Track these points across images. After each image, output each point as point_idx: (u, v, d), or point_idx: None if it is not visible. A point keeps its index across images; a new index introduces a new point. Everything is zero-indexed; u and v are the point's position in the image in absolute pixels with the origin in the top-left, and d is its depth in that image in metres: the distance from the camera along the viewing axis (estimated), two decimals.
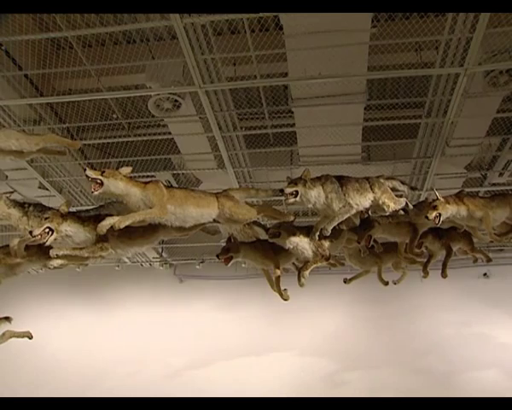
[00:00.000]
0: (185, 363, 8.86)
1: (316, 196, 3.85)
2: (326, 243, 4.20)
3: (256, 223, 4.63)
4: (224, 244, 4.53)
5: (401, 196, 4.20)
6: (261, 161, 6.36)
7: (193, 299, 9.30)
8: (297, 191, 3.79)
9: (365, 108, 5.35)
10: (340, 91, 4.99)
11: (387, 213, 4.06)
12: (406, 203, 4.12)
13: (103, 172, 3.54)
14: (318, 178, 3.92)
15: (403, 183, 4.33)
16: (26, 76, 4.80)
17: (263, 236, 4.56)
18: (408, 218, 4.41)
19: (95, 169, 3.56)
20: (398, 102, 5.34)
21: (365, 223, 4.36)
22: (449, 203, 4.06)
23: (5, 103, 4.61)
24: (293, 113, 5.47)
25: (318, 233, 4.10)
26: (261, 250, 4.50)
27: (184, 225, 3.90)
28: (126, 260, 8.10)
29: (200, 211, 3.86)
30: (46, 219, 3.68)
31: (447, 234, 4.80)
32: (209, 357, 8.75)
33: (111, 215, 3.65)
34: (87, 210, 4.26)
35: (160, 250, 7.99)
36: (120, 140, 5.76)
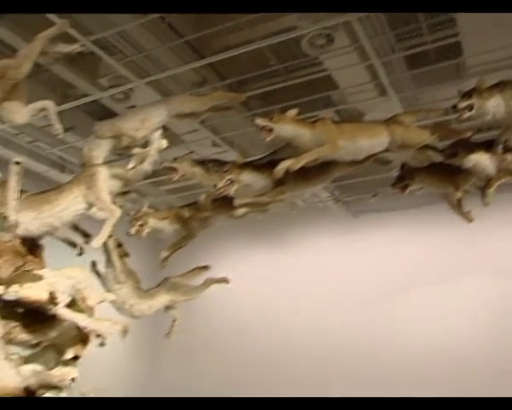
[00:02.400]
0: (370, 298, 8.94)
1: (494, 105, 3.53)
2: (510, 157, 3.88)
3: (429, 146, 4.41)
4: (397, 173, 4.41)
5: None
6: (425, 81, 5.98)
7: (369, 234, 9.25)
8: (472, 104, 3.51)
9: None
10: None
11: None
12: None
13: (271, 118, 3.64)
14: (495, 86, 3.59)
15: None
16: (186, 42, 5.06)
17: (438, 158, 4.34)
18: None
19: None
20: None
21: None
22: None
23: (174, 72, 4.93)
24: (455, 21, 5.02)
25: (501, 146, 3.79)
26: (438, 174, 4.31)
27: (357, 158, 3.88)
28: (300, 203, 8.29)
29: (371, 141, 3.80)
30: (226, 171, 3.94)
31: None
32: (398, 289, 8.72)
33: (284, 159, 3.78)
34: (260, 158, 4.45)
35: (332, 189, 8.03)
36: (279, 86, 5.83)
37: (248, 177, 3.98)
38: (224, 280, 4.61)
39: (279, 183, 3.95)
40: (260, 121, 3.61)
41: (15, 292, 3.10)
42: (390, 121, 3.89)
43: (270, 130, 3.60)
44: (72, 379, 3.40)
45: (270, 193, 4.00)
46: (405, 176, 4.50)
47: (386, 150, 3.99)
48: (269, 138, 3.64)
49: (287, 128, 3.60)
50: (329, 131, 3.57)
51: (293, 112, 3.69)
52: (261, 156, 4.58)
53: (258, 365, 9.68)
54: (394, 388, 8.03)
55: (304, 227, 9.62)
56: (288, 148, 4.22)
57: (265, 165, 4.11)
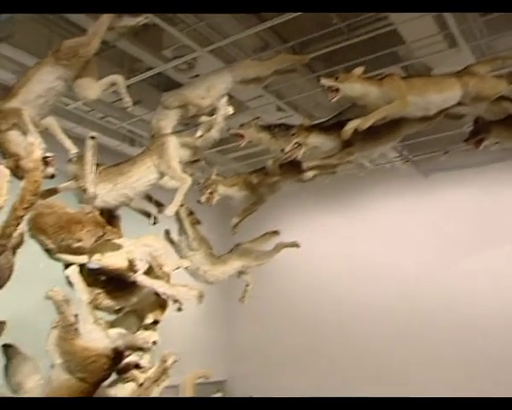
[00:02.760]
0: (443, 258, 8.72)
1: None
2: None
3: (504, 97, 4.20)
4: (470, 129, 4.23)
5: None
6: (500, 27, 5.64)
7: (441, 194, 8.97)
8: None
9: None
10: None
11: None
12: None
13: (337, 77, 3.57)
14: None
15: None
16: None
17: None
18: None
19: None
20: None
21: None
22: None
23: (236, 38, 4.91)
24: None
25: None
26: None
27: (427, 114, 3.75)
28: (368, 164, 8.15)
29: (443, 95, 3.66)
30: (293, 135, 3.93)
31: None
32: (472, 249, 8.45)
33: (351, 120, 3.71)
34: (327, 120, 4.39)
35: (400, 148, 7.81)
36: (343, 45, 5.67)
37: (316, 139, 3.95)
38: (295, 244, 4.64)
39: (347, 144, 3.89)
40: (326, 81, 3.55)
41: (98, 261, 3.26)
42: (462, 73, 3.73)
43: (337, 90, 3.54)
44: (154, 342, 3.57)
45: (339, 154, 3.95)
46: (480, 130, 4.31)
47: (459, 104, 3.84)
48: (335, 99, 3.58)
49: (354, 87, 3.53)
50: (398, 87, 3.47)
51: (359, 70, 3.60)
52: (328, 118, 4.52)
53: (330, 328, 9.73)
54: (473, 347, 7.91)
55: (372, 189, 9.42)
56: (355, 108, 4.14)
57: (333, 126, 4.06)
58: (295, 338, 10.11)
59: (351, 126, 3.53)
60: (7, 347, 3.10)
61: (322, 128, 4.05)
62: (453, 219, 8.70)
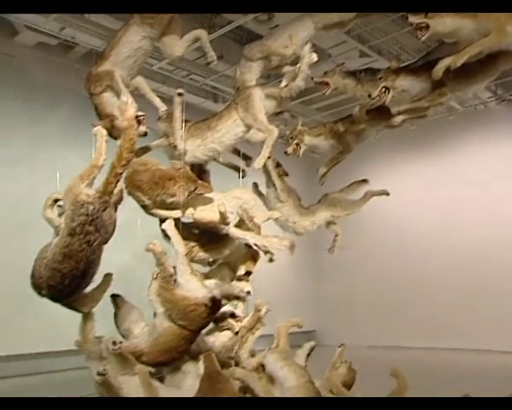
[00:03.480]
0: None
1: None
2: None
3: None
4: None
5: None
6: None
7: None
8: None
9: None
10: None
11: None
12: None
13: (426, 14, 3.37)
14: None
15: None
16: None
17: None
18: None
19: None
20: None
21: None
22: None
23: None
24: None
25: None
26: None
27: None
28: (459, 106, 7.74)
29: None
30: (380, 79, 3.79)
31: None
32: None
33: (441, 59, 3.51)
34: (415, 61, 4.19)
35: (494, 87, 7.33)
36: None
37: (404, 82, 3.79)
38: (384, 192, 4.52)
39: (439, 84, 3.69)
40: (414, 19, 3.36)
41: (191, 215, 3.37)
42: None
43: (427, 27, 3.34)
44: (248, 292, 3.67)
45: (430, 96, 3.76)
46: None
47: None
48: (425, 37, 3.38)
49: (445, 22, 3.31)
50: (496, 18, 3.20)
51: None
52: (415, 59, 4.31)
53: (417, 278, 9.55)
54: None
55: (464, 133, 8.94)
56: (444, 47, 3.91)
57: (422, 67, 3.86)
58: (382, 289, 10.04)
59: (442, 65, 3.34)
60: (115, 297, 3.29)
61: (411, 70, 3.87)
62: None
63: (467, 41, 3.34)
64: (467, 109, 7.99)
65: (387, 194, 4.53)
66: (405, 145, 9.41)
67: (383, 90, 3.75)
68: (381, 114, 4.15)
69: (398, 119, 4.03)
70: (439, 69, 3.40)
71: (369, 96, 3.80)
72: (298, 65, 3.47)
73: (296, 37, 3.77)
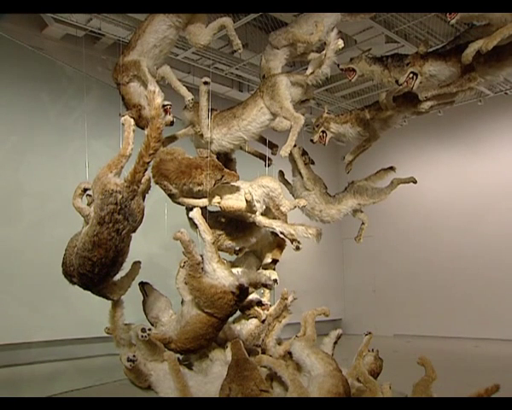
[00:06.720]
0: None
1: None
2: None
3: None
4: None
5: None
6: None
7: None
8: None
9: None
10: None
11: None
12: None
13: None
14: None
15: None
16: None
17: None
18: None
19: None
20: None
21: None
22: None
23: None
24: None
25: None
26: None
27: None
28: (488, 91, 7.57)
29: None
30: (407, 64, 3.73)
31: None
32: None
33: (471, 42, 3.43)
34: (443, 46, 4.11)
35: None
36: None
37: (433, 67, 3.71)
38: (412, 180, 4.46)
39: (468, 69, 3.61)
40: None
41: (217, 203, 3.38)
42: None
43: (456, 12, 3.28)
44: (275, 280, 3.67)
45: (459, 81, 3.68)
46: None
47: None
48: (454, 20, 3.32)
49: None
50: None
51: None
52: (444, 44, 4.23)
53: (444, 268, 9.43)
54: None
55: (494, 120, 8.75)
56: (474, 30, 3.83)
57: (450, 52, 3.77)
58: (409, 278, 9.95)
59: (473, 49, 3.27)
60: (143, 284, 3.33)
61: (439, 55, 3.78)
62: None
63: (499, 23, 3.27)
64: (497, 95, 7.81)
65: (415, 181, 4.47)
66: (433, 132, 9.26)
67: (411, 75, 3.69)
68: (408, 100, 4.08)
69: (426, 105, 3.95)
70: (469, 53, 3.33)
71: (397, 82, 3.74)
72: (323, 52, 3.44)
73: (322, 23, 3.72)
